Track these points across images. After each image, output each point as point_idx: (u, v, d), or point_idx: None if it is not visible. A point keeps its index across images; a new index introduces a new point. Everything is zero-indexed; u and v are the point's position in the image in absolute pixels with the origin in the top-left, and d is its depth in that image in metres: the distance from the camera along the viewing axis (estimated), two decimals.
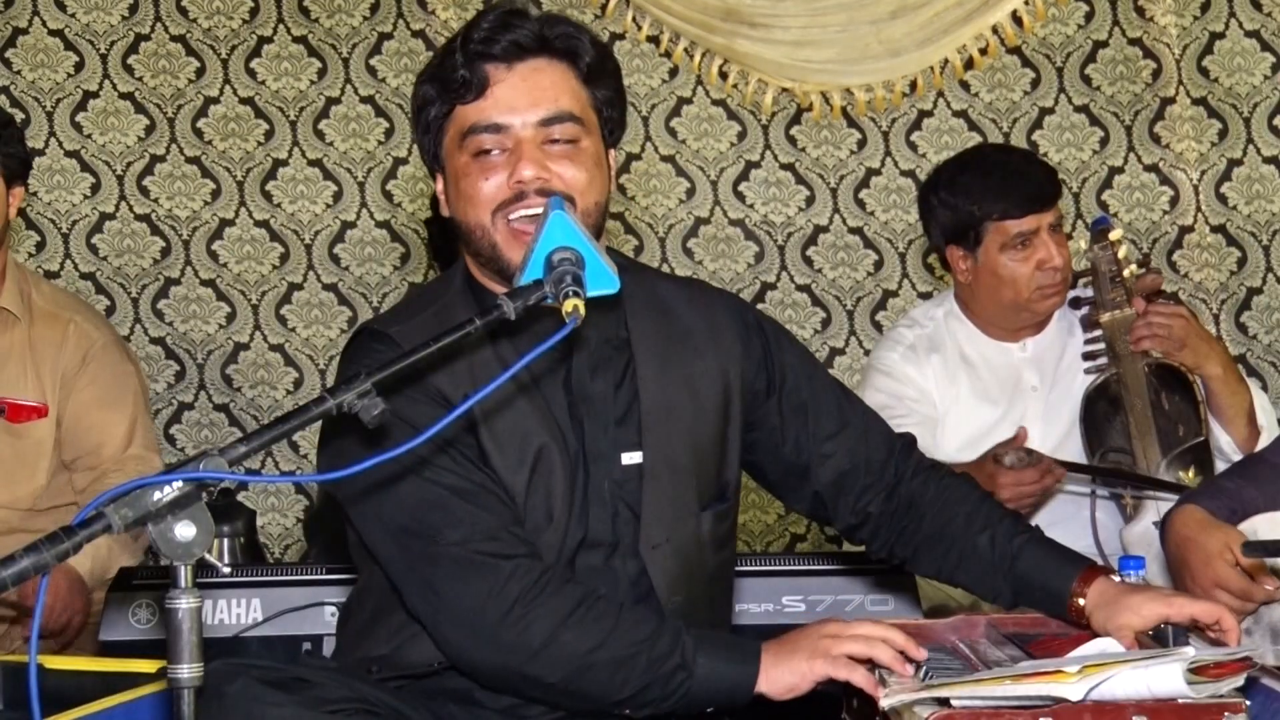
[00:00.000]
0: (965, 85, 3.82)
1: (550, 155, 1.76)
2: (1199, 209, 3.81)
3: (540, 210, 1.70)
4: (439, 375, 1.75)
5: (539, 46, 1.78)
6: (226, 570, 2.53)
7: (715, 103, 3.84)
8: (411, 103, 1.86)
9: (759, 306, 3.80)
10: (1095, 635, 1.76)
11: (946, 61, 3.80)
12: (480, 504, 1.72)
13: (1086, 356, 2.82)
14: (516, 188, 1.75)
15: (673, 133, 3.85)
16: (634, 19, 3.82)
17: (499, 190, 1.76)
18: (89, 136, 3.78)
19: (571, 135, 1.78)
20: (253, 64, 3.81)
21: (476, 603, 1.67)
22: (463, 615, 1.68)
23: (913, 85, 3.81)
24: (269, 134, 3.81)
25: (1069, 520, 2.74)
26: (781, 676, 1.68)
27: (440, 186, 1.86)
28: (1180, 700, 1.48)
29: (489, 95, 1.77)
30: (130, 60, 3.79)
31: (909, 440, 2.00)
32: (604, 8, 3.79)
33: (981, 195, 2.75)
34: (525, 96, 1.77)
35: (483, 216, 1.77)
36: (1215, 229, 3.81)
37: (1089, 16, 3.81)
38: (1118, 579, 1.86)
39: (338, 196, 3.83)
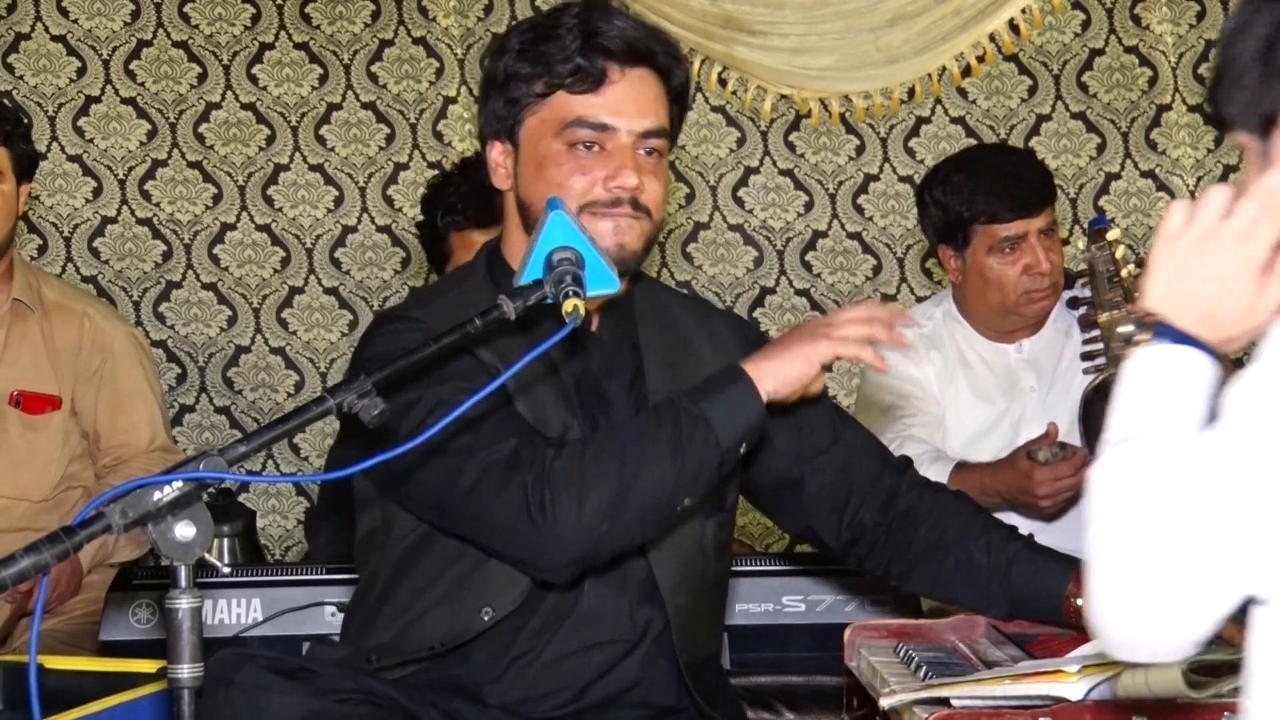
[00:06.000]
0: (963, 92, 3.83)
1: (643, 167, 1.77)
2: None
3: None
4: (479, 349, 1.73)
5: (648, 55, 1.79)
6: (226, 570, 2.53)
7: (714, 109, 3.85)
8: (492, 69, 1.81)
9: (758, 311, 3.82)
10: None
11: (944, 69, 3.81)
12: (504, 421, 1.70)
13: (1085, 356, 2.80)
14: (615, 192, 1.75)
15: None
16: None
17: (591, 188, 1.75)
18: (91, 141, 3.79)
19: (662, 150, 1.80)
20: (254, 70, 3.82)
21: (514, 513, 1.65)
22: (514, 531, 1.66)
23: (911, 92, 3.82)
24: (270, 139, 3.81)
25: (1063, 519, 2.73)
26: (784, 369, 1.68)
27: (496, 155, 1.83)
28: (1180, 700, 1.47)
29: (602, 93, 1.76)
30: (132, 65, 3.80)
31: (905, 460, 2.00)
32: None
33: (971, 197, 2.73)
34: (635, 104, 1.77)
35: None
36: None
37: (1085, 25, 3.82)
38: None
39: (339, 201, 3.83)
